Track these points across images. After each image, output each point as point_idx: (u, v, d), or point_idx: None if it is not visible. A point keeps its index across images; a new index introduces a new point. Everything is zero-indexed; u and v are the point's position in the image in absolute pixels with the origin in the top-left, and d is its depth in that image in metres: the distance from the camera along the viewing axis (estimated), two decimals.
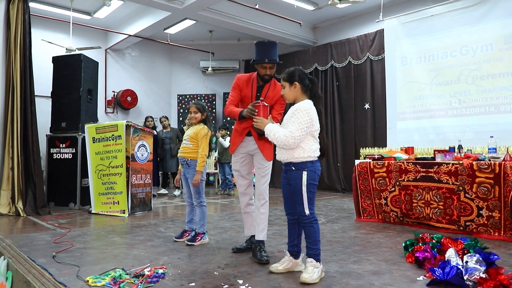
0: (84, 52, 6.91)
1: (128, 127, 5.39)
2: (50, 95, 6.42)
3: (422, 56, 7.24)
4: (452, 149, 4.69)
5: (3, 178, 5.32)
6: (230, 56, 10.82)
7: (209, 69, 10.31)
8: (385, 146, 7.47)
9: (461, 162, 4.00)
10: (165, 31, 9.16)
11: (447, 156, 4.30)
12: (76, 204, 5.86)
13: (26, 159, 5.42)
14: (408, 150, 5.17)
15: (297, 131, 2.49)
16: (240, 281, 2.49)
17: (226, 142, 8.10)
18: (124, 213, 5.25)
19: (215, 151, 8.20)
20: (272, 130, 2.57)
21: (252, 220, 3.27)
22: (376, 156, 4.96)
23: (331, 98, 8.95)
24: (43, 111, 6.95)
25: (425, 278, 2.54)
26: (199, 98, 10.66)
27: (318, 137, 2.62)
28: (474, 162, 3.89)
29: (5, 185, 5.30)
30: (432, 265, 2.61)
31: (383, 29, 7.85)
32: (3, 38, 5.51)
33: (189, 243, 3.53)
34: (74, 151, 5.98)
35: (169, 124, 8.02)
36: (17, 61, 5.43)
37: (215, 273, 2.67)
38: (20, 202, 5.26)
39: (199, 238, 3.58)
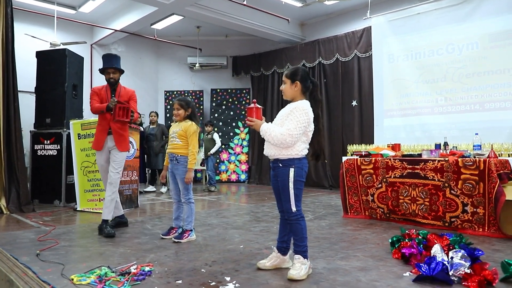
0: (69, 47, 6.78)
1: None
2: (34, 91, 6.29)
3: (409, 54, 7.30)
4: (438, 146, 4.75)
5: None
6: (217, 52, 10.75)
7: (197, 65, 10.24)
8: (372, 143, 7.53)
9: (446, 159, 4.05)
10: (152, 26, 9.06)
11: (433, 153, 4.34)
12: (61, 201, 5.77)
13: (9, 155, 5.31)
14: (395, 147, 5.21)
15: (295, 130, 2.48)
16: (228, 278, 2.48)
17: (218, 140, 8.13)
18: None
19: (202, 147, 8.18)
20: (268, 129, 2.55)
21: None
22: (363, 153, 4.99)
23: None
24: (27, 106, 6.82)
25: (411, 274, 2.56)
26: (186, 94, 10.58)
27: (313, 140, 2.62)
28: (459, 159, 3.94)
29: None
30: (418, 261, 2.64)
31: (370, 27, 7.89)
32: None
33: (176, 240, 3.51)
34: (59, 147, 5.88)
35: (157, 121, 7.95)
36: None
37: (202, 270, 2.65)
38: (3, 200, 5.16)
39: (186, 235, 3.56)
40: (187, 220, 3.63)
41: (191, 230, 3.62)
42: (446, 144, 4.87)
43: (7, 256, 2.89)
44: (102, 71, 4.12)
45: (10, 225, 4.30)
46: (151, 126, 7.81)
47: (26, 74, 6.88)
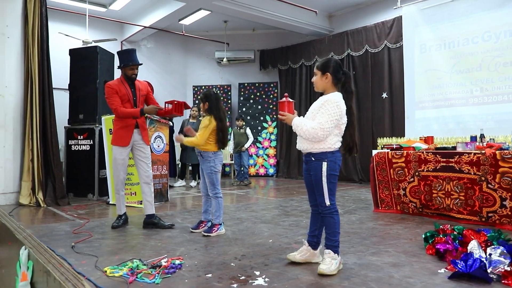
0: (100, 44, 6.93)
1: (144, 118, 5.39)
2: (67, 88, 6.48)
3: (441, 43, 7.04)
4: (473, 139, 4.57)
5: (24, 170, 5.43)
6: (245, 46, 10.74)
7: (224, 59, 10.27)
8: (403, 136, 7.33)
9: (483, 151, 3.89)
10: (180, 22, 9.14)
11: (468, 146, 4.18)
12: (94, 195, 5.94)
13: (45, 151, 5.50)
14: (428, 140, 5.05)
15: (327, 123, 2.43)
16: (257, 272, 2.47)
17: (251, 134, 8.15)
18: (141, 203, 5.27)
19: (231, 141, 8.20)
20: (300, 123, 2.51)
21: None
22: (394, 146, 4.87)
23: None
24: (61, 103, 7.03)
25: (446, 270, 2.48)
26: (214, 89, 10.64)
27: (345, 133, 2.56)
28: (497, 152, 3.77)
29: (25, 177, 5.40)
30: (454, 258, 2.55)
31: (401, 16, 7.66)
32: (21, 32, 5.57)
33: (206, 234, 3.53)
34: (91, 142, 6.04)
35: (197, 116, 7.97)
36: (35, 54, 5.49)
37: (232, 264, 2.66)
38: (40, 193, 5.35)
39: (215, 229, 3.57)
40: (215, 214, 3.64)
41: (220, 224, 3.63)
42: (482, 136, 4.68)
43: (45, 247, 2.99)
44: (123, 66, 3.93)
45: (47, 218, 4.46)
46: (190, 120, 7.86)
47: (60, 72, 7.10)
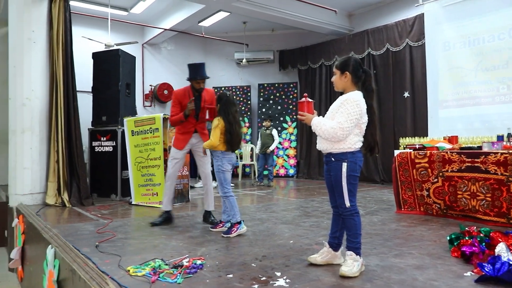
0: (122, 48, 7.06)
1: (165, 119, 5.47)
2: (90, 90, 6.62)
3: (466, 41, 6.87)
4: (500, 138, 4.44)
5: (50, 171, 5.57)
6: (264, 47, 10.74)
7: (244, 60, 10.29)
8: (426, 135, 7.18)
9: (511, 151, 3.77)
10: (200, 24, 9.22)
11: (495, 145, 4.07)
12: (117, 195, 6.05)
13: (70, 152, 5.63)
14: (452, 140, 4.94)
15: (346, 122, 2.39)
16: (278, 273, 2.46)
17: (277, 136, 8.13)
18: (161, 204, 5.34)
19: (259, 142, 8.19)
20: (319, 123, 2.48)
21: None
22: (417, 146, 4.78)
23: None
24: (85, 105, 7.17)
25: (473, 273, 2.41)
26: (233, 90, 10.69)
27: (366, 132, 2.52)
28: None
29: (51, 177, 5.54)
30: (480, 261, 2.48)
31: (423, 14, 7.51)
32: (46, 36, 5.72)
33: (225, 235, 3.52)
34: (114, 144, 6.15)
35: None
36: (59, 58, 5.63)
37: (253, 264, 2.66)
38: (65, 194, 5.49)
39: (235, 229, 3.56)
40: (231, 214, 3.65)
41: (239, 223, 3.60)
42: (510, 135, 4.55)
43: (70, 247, 3.06)
44: (190, 79, 4.13)
45: (72, 218, 4.56)
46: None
47: (83, 75, 7.24)
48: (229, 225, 3.68)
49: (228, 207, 3.68)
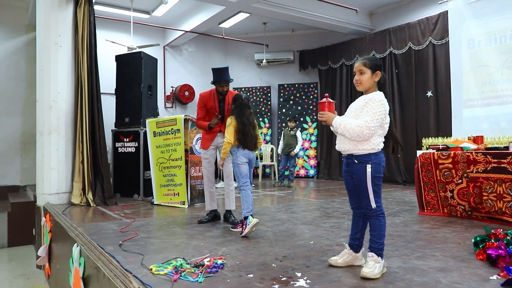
0: (144, 50, 7.18)
1: (186, 121, 5.54)
2: (114, 92, 6.77)
3: (492, 38, 6.69)
4: None
5: (75, 171, 5.71)
6: (284, 47, 10.73)
7: (264, 61, 10.31)
8: (450, 135, 7.03)
9: None
10: (220, 25, 9.28)
11: None
12: (140, 195, 6.15)
13: (94, 153, 5.77)
14: (477, 140, 4.82)
15: (372, 122, 2.36)
16: (299, 274, 2.46)
17: (300, 137, 8.11)
18: (184, 204, 5.42)
19: (282, 141, 8.20)
20: (342, 122, 2.44)
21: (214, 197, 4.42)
22: (440, 147, 4.69)
23: (390, 87, 8.58)
24: (108, 107, 7.34)
25: (499, 277, 2.35)
26: (254, 90, 10.72)
27: (388, 131, 2.50)
28: None
29: (77, 178, 5.68)
30: (507, 264, 2.42)
31: (446, 11, 7.36)
32: (72, 40, 5.88)
33: (232, 229, 3.76)
34: (136, 144, 6.26)
35: None
36: (84, 61, 5.77)
37: (273, 265, 2.67)
38: (90, 193, 5.62)
39: (244, 226, 3.52)
40: (242, 207, 3.70)
41: (247, 218, 3.54)
42: None
43: (95, 245, 3.14)
44: (214, 83, 4.26)
45: (96, 217, 4.67)
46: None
47: (106, 77, 7.40)
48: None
49: (242, 200, 3.73)
